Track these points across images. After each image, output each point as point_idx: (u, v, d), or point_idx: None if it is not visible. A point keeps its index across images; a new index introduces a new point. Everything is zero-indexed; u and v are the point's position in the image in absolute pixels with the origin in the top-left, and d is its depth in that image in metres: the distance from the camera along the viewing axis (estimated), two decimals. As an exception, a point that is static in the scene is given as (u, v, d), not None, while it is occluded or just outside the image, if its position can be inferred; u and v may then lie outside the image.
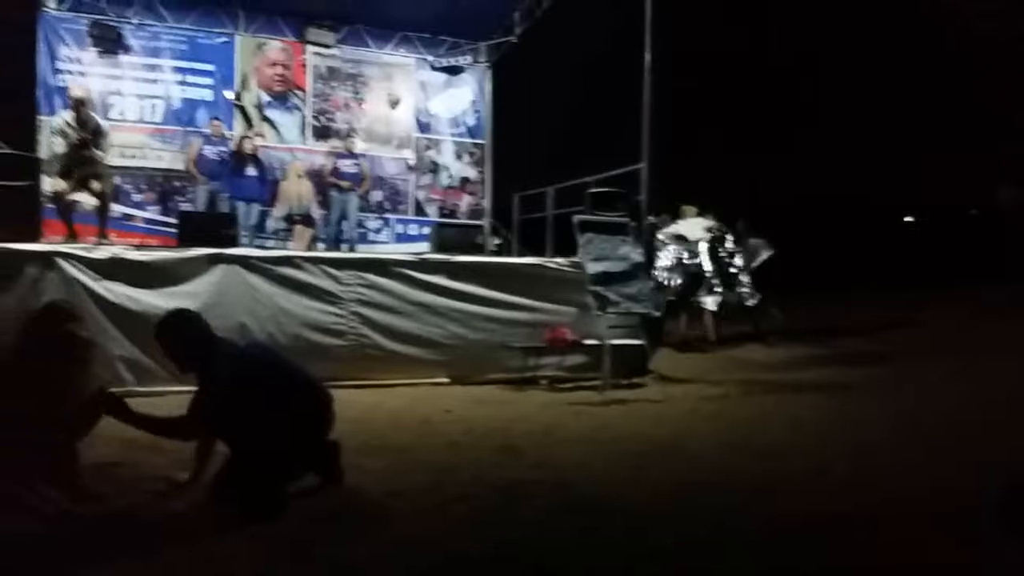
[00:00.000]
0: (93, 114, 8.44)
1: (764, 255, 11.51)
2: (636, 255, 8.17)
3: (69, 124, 8.07)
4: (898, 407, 6.74)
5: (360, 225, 12.61)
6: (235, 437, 3.87)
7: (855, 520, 3.73)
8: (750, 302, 11.06)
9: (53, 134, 8.25)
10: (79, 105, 8.20)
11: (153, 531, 3.49)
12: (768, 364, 9.35)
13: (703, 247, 11.04)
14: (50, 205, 8.22)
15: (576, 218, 8.25)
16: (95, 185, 8.18)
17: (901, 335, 11.17)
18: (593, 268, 7.72)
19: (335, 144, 12.74)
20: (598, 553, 3.34)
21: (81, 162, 8.02)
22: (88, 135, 8.05)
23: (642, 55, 8.80)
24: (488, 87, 14.18)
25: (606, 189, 8.63)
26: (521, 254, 10.91)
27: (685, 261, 11.04)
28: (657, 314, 8.39)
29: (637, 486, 4.33)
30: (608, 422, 6.09)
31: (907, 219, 31.29)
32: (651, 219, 9.57)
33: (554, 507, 3.96)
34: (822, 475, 4.57)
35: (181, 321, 4.04)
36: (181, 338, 3.95)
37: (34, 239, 7.25)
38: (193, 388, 3.90)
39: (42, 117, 11.39)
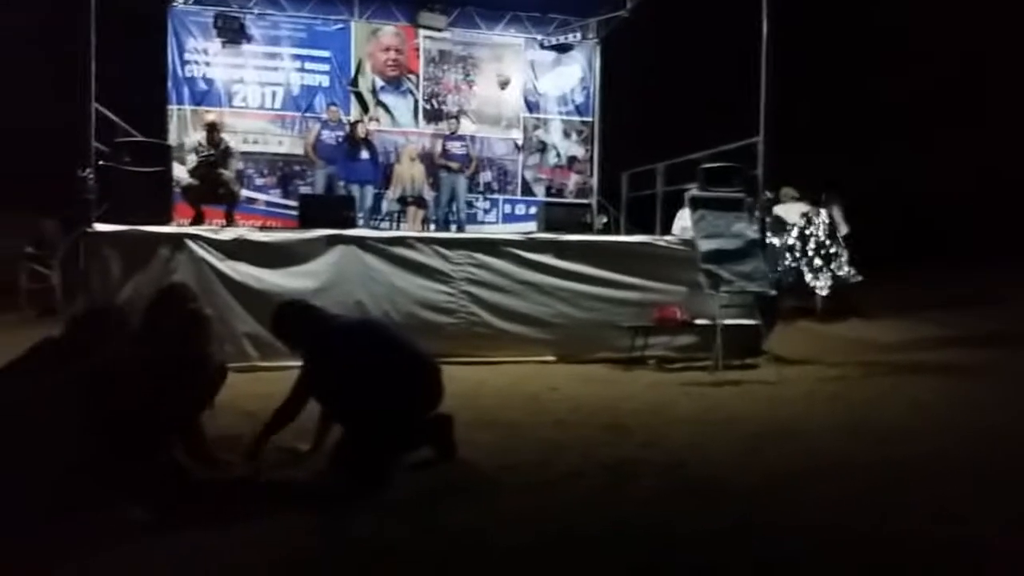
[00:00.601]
0: (224, 136, 9.21)
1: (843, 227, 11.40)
2: (751, 232, 7.90)
3: (201, 144, 9.00)
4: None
5: (469, 206, 12.81)
6: (342, 409, 4.02)
7: (979, 514, 3.51)
8: (853, 280, 10.93)
9: (187, 152, 9.16)
10: (211, 129, 9.09)
11: (275, 497, 3.66)
12: (884, 344, 8.92)
13: (796, 232, 11.04)
14: (178, 190, 8.84)
15: (688, 194, 8.06)
16: (220, 190, 8.96)
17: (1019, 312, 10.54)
18: (705, 246, 7.50)
19: (444, 126, 12.92)
20: (708, 537, 3.27)
21: (211, 178, 8.84)
22: (218, 155, 8.86)
23: (760, 25, 8.47)
24: (597, 63, 13.99)
25: (720, 164, 8.38)
26: (629, 232, 10.77)
27: (785, 243, 11.08)
28: (773, 293, 8.10)
29: (750, 469, 4.21)
30: (720, 403, 5.96)
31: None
32: (767, 195, 9.29)
33: (663, 488, 3.91)
34: (945, 462, 4.33)
35: (283, 315, 4.36)
36: (287, 330, 4.32)
37: (166, 222, 7.69)
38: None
39: (172, 107, 12.09)
